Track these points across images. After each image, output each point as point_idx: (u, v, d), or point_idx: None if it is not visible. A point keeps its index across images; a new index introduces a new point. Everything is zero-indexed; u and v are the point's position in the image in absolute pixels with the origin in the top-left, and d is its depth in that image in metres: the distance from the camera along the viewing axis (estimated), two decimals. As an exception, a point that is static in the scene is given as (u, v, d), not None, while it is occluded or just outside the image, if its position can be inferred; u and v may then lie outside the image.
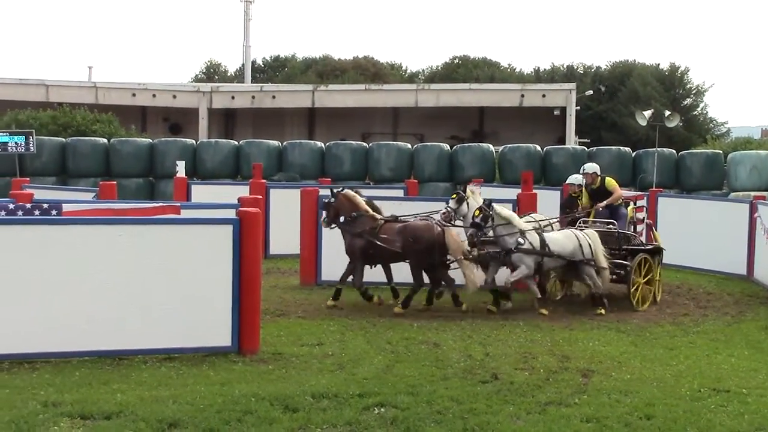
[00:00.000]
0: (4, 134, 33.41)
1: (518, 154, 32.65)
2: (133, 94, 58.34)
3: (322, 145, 34.80)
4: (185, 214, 13.57)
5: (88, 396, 9.36)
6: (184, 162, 26.96)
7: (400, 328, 13.67)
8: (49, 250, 10.89)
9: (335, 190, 15.97)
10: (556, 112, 52.44)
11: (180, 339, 11.28)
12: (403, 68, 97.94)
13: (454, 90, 57.90)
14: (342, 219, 15.60)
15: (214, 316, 11.38)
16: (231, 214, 12.68)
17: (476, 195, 16.07)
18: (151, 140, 36.50)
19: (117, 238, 11.14)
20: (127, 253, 11.14)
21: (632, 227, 17.04)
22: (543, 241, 15.44)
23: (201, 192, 23.75)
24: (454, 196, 16.06)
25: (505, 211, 15.52)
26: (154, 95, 58.66)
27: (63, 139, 35.58)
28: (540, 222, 16.35)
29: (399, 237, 15.32)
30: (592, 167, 17.50)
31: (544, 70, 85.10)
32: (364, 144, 35.12)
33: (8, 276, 10.72)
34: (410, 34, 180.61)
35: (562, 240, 15.72)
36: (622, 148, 33.44)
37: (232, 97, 59.73)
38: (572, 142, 50.12)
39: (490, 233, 15.31)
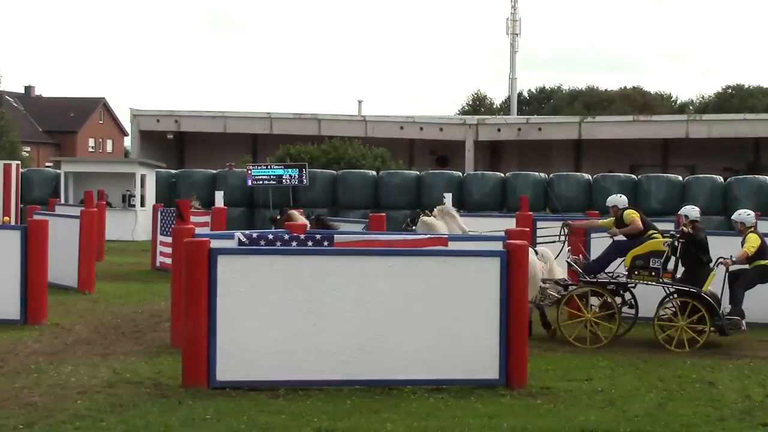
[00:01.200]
0: (279, 167, 34.81)
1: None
2: (401, 127, 59.57)
3: (590, 177, 34.38)
4: (452, 245, 13.64)
5: (359, 424, 9.52)
6: (450, 194, 27.21)
7: (673, 365, 13.23)
8: (322, 280, 11.18)
9: None
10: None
11: (448, 371, 11.31)
12: (673, 98, 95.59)
13: (728, 120, 56.06)
14: None
15: (481, 349, 11.35)
16: (498, 246, 12.65)
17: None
18: (418, 172, 37.13)
19: (387, 268, 11.32)
20: (397, 283, 11.29)
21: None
22: None
23: (468, 224, 23.83)
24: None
25: (430, 221, 16.80)
26: (421, 128, 59.69)
27: (334, 172, 36.72)
28: None
29: None
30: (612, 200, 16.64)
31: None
32: (633, 176, 34.46)
33: (283, 305, 11.08)
34: (681, 64, 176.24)
35: None
36: None
37: (498, 130, 60.01)
38: None
39: None
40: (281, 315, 11.09)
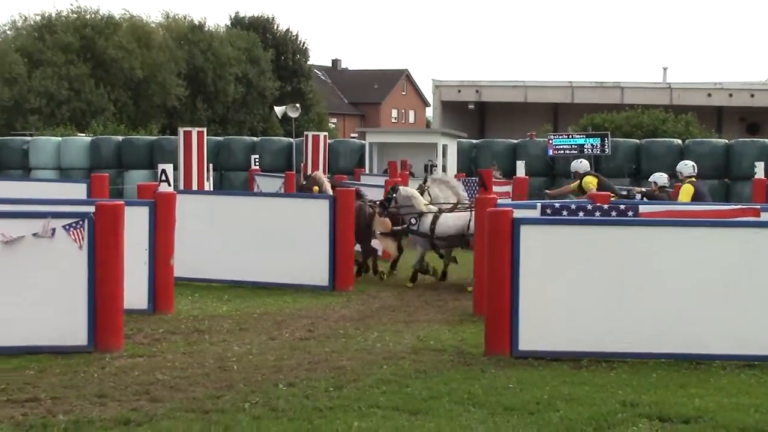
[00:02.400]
0: (581, 136, 34.34)
1: None
2: (709, 95, 57.44)
3: None
4: (765, 217, 13.00)
5: (665, 398, 9.24)
6: (762, 163, 25.95)
7: None
8: (626, 251, 10.93)
9: None
10: None
11: (761, 346, 10.78)
12: None
13: None
14: None
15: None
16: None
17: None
18: (726, 141, 35.69)
19: (692, 239, 10.92)
20: (703, 255, 10.87)
21: None
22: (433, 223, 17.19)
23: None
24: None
25: (409, 192, 17.78)
26: (730, 95, 57.33)
27: (637, 141, 35.87)
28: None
29: None
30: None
31: None
32: None
33: (586, 275, 10.91)
34: None
35: (450, 221, 17.19)
36: None
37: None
38: None
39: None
40: (584, 286, 10.93)
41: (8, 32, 67.49)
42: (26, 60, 62.66)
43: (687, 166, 17.27)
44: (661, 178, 18.20)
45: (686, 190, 16.78)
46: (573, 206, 13.08)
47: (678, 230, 11.12)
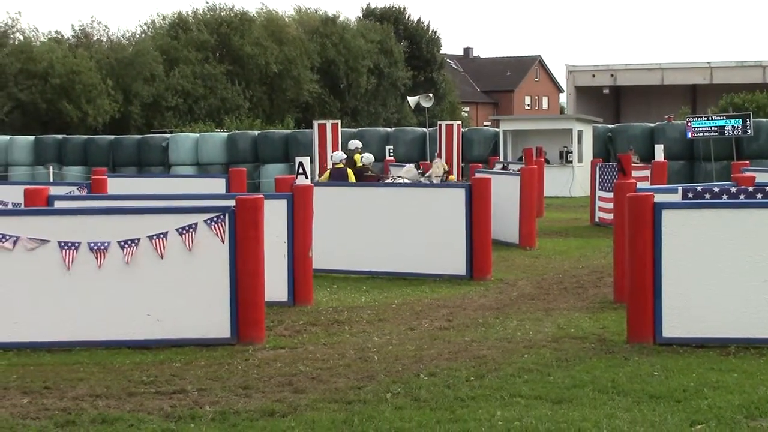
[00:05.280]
0: (721, 118, 33.52)
1: None
2: None
3: None
4: None
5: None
6: None
7: None
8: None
9: None
10: None
11: None
12: None
13: None
14: None
15: None
16: None
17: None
18: None
19: None
20: None
21: None
22: None
23: None
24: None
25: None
26: None
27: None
28: None
29: None
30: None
31: None
32: None
33: (732, 260, 10.62)
34: None
35: None
36: None
37: None
38: None
39: None
40: (730, 270, 10.63)
41: (148, 33, 69.22)
42: (164, 58, 64.19)
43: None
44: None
45: None
46: (716, 189, 12.74)
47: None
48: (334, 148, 25.55)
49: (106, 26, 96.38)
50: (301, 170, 14.64)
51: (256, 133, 41.58)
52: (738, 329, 10.60)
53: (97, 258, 11.06)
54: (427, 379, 9.48)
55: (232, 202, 11.53)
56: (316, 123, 25.69)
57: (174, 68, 63.85)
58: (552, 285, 15.58)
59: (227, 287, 11.22)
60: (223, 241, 11.20)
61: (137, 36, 68.48)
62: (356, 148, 23.64)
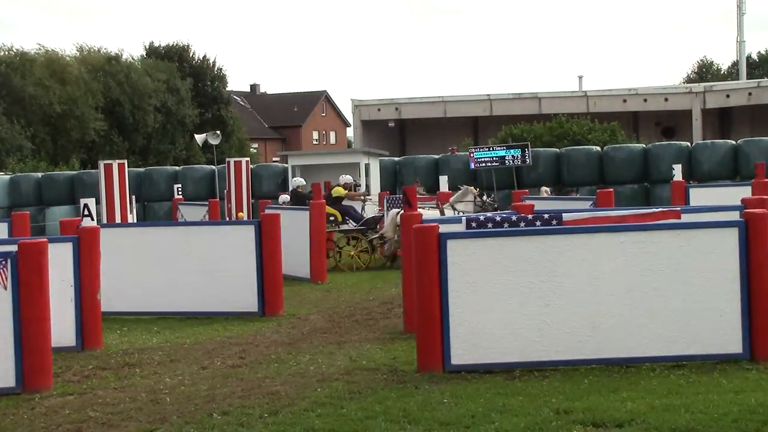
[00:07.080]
0: (501, 148, 34.63)
1: None
2: (624, 100, 58.34)
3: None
4: (685, 218, 13.20)
5: (598, 404, 9.33)
6: (680, 165, 26.40)
7: None
8: (553, 259, 11.03)
9: None
10: None
11: (687, 346, 10.95)
12: None
13: None
14: None
15: (722, 323, 10.94)
16: (735, 216, 12.18)
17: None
18: (644, 145, 36.26)
19: (619, 245, 11.07)
20: (630, 260, 11.03)
21: None
22: None
23: (699, 195, 23.16)
24: None
25: None
26: (645, 99, 58.31)
27: (557, 150, 36.28)
28: None
29: None
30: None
31: None
32: None
33: (515, 286, 10.99)
34: None
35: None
36: None
37: (727, 96, 57.91)
38: None
39: None
40: (513, 296, 11.01)
41: None
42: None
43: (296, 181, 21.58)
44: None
45: None
46: (498, 218, 13.15)
47: (603, 236, 11.22)
48: (122, 189, 25.07)
49: None
50: (86, 212, 14.33)
51: (40, 175, 40.39)
52: (522, 354, 10.97)
53: None
54: (221, 418, 9.42)
55: (14, 247, 11.20)
56: (102, 163, 25.18)
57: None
58: (343, 318, 15.73)
59: (11, 335, 10.89)
60: (5, 288, 10.86)
61: None
62: (300, 185, 27.36)
